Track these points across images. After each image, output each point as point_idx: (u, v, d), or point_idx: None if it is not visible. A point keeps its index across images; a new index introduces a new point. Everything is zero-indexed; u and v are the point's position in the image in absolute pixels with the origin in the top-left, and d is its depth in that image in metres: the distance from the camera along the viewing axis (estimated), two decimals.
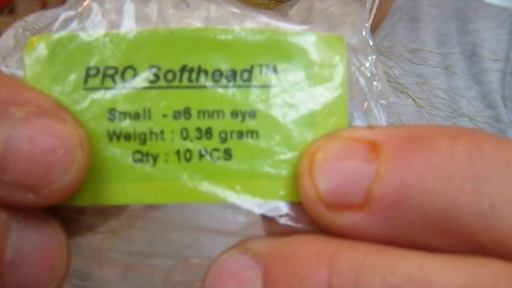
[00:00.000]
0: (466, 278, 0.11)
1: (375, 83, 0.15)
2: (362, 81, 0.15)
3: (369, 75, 0.15)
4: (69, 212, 0.14)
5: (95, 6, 0.14)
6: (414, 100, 0.37)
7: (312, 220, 0.13)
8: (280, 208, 0.14)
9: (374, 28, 0.43)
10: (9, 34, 0.46)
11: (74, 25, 0.14)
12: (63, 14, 0.14)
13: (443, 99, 0.39)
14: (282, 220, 0.14)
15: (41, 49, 0.14)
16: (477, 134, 0.12)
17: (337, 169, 0.12)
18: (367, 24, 0.16)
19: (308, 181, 0.13)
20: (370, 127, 0.13)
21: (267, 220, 0.14)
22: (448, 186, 0.12)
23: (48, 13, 0.46)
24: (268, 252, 0.13)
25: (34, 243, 0.13)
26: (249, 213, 0.14)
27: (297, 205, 0.14)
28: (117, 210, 0.16)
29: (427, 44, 0.43)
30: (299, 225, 0.14)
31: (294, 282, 0.12)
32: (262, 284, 0.13)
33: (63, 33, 0.14)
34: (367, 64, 0.15)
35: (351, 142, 0.13)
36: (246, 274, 0.13)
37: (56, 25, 0.14)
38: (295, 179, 0.14)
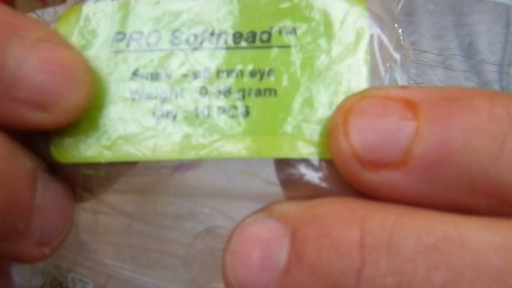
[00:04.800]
0: (502, 239, 0.11)
1: (399, 51, 0.15)
2: (386, 45, 0.15)
3: (394, 42, 0.15)
4: (85, 169, 0.15)
5: None
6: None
7: (340, 178, 0.13)
8: (301, 166, 0.14)
9: None
10: None
11: None
12: None
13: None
14: (305, 179, 0.13)
15: (73, 20, 0.15)
16: None
17: (374, 127, 0.12)
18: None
19: (343, 137, 0.12)
20: (403, 86, 0.13)
21: (288, 184, 0.14)
22: (490, 145, 0.12)
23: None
24: (295, 214, 0.13)
25: (53, 191, 0.14)
26: (268, 175, 0.14)
27: (320, 164, 0.13)
28: (141, 170, 0.16)
29: (424, 37, 0.44)
30: (323, 185, 0.13)
31: (325, 243, 0.12)
32: (290, 245, 0.12)
33: (93, 4, 0.15)
34: (392, 32, 0.15)
35: (387, 100, 0.12)
36: (273, 236, 0.12)
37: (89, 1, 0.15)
38: (316, 137, 0.14)
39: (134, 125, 0.14)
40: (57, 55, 0.13)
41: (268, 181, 0.14)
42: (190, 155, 0.14)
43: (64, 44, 0.14)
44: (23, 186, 0.13)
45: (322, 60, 0.14)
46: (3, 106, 0.13)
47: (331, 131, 0.13)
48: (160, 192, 0.17)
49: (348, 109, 0.13)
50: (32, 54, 0.13)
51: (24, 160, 0.14)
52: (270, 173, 0.15)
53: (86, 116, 0.14)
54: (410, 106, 0.12)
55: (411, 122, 0.12)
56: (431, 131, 0.12)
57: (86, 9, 0.15)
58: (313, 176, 0.13)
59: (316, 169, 0.13)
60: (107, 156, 0.14)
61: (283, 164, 0.14)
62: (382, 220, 0.12)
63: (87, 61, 0.14)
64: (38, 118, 0.13)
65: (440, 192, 0.12)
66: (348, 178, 0.13)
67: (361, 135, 0.12)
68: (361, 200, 0.13)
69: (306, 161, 0.14)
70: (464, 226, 0.12)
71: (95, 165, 0.14)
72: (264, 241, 0.13)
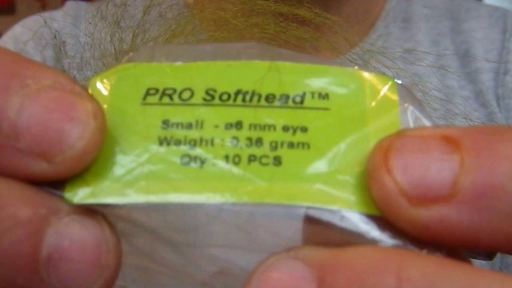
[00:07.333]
0: None
1: (430, 120, 0.15)
2: (416, 115, 0.15)
3: (423, 111, 0.15)
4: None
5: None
6: None
7: (385, 220, 0.13)
8: (331, 216, 0.13)
9: (368, 29, 0.43)
10: (8, 36, 0.47)
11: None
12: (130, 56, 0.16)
13: (438, 98, 0.39)
14: (335, 230, 0.13)
15: (104, 83, 0.15)
16: None
17: (418, 162, 0.12)
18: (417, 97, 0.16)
19: (386, 175, 0.12)
20: (436, 126, 0.13)
21: (315, 235, 0.13)
22: None
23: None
24: (323, 257, 0.12)
25: (76, 239, 0.13)
26: (293, 227, 0.14)
27: (351, 216, 0.13)
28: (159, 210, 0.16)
29: (421, 43, 0.44)
30: (354, 238, 0.13)
31: None
32: None
33: (128, 64, 0.16)
34: (421, 103, 0.15)
35: (425, 137, 0.12)
36: (298, 281, 0.12)
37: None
38: (349, 189, 0.13)
39: (160, 172, 0.14)
40: (63, 102, 0.13)
41: (291, 231, 0.14)
42: (217, 199, 0.14)
43: (76, 89, 0.13)
44: (13, 238, 0.12)
45: (353, 125, 0.14)
46: (4, 156, 0.12)
47: (371, 171, 0.13)
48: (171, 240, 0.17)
49: (387, 147, 0.12)
50: (36, 103, 0.12)
51: (19, 208, 0.12)
52: (286, 228, 0.14)
53: (108, 164, 0.14)
54: (450, 141, 0.12)
55: (455, 155, 0.12)
56: (477, 163, 0.12)
57: (119, 73, 0.15)
58: (343, 228, 0.13)
59: (346, 221, 0.13)
60: (132, 197, 0.14)
61: (311, 213, 0.13)
62: (422, 267, 0.11)
63: (97, 107, 0.13)
64: (42, 168, 0.13)
65: (494, 223, 0.12)
66: (394, 217, 0.12)
67: (406, 171, 0.12)
68: (396, 248, 0.12)
69: (335, 212, 0.13)
70: (509, 284, 0.11)
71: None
72: (288, 285, 0.12)
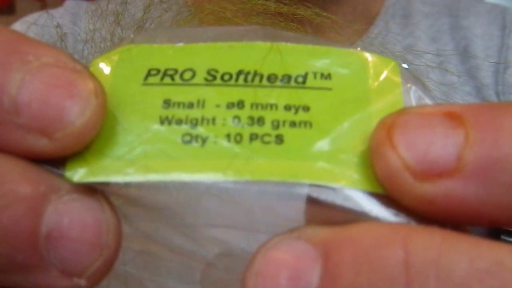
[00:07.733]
0: None
1: (433, 99, 0.15)
2: (419, 94, 0.15)
3: (425, 91, 0.15)
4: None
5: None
6: None
7: (389, 197, 0.13)
8: (336, 193, 0.13)
9: (367, 25, 0.44)
10: None
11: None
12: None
13: (439, 94, 0.39)
14: (339, 208, 0.13)
15: (105, 65, 0.15)
16: None
17: (422, 137, 0.12)
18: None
19: (390, 151, 0.12)
20: (437, 104, 0.13)
21: (318, 213, 0.13)
22: None
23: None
24: (327, 236, 0.12)
25: (76, 217, 0.13)
26: (296, 208, 0.14)
27: (354, 193, 0.13)
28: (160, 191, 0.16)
29: (420, 40, 0.44)
30: (357, 215, 0.13)
31: (363, 264, 0.11)
32: (322, 268, 0.12)
33: (130, 45, 0.16)
34: (424, 84, 0.15)
35: (428, 114, 0.12)
36: (302, 259, 0.12)
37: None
38: (352, 167, 0.13)
39: (161, 150, 0.14)
40: (65, 79, 0.13)
41: (293, 210, 0.14)
42: (218, 177, 0.13)
43: (77, 67, 0.13)
44: (12, 214, 0.12)
45: (356, 105, 0.14)
46: (5, 132, 0.12)
47: (375, 147, 0.13)
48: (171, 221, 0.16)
49: (391, 124, 0.13)
50: (37, 79, 0.12)
51: (19, 184, 0.12)
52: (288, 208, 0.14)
53: (108, 143, 0.14)
54: (453, 116, 0.12)
55: (458, 130, 0.12)
56: (482, 137, 0.12)
57: (121, 54, 0.15)
58: (346, 207, 0.13)
59: (349, 200, 0.13)
60: (132, 175, 0.14)
61: (313, 192, 0.13)
62: (428, 240, 0.11)
63: (99, 85, 0.13)
64: (42, 144, 0.12)
65: (499, 196, 0.12)
66: (399, 193, 0.12)
67: (410, 147, 0.12)
68: (401, 223, 0.12)
69: (338, 191, 0.13)
70: None
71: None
72: (293, 264, 0.12)
